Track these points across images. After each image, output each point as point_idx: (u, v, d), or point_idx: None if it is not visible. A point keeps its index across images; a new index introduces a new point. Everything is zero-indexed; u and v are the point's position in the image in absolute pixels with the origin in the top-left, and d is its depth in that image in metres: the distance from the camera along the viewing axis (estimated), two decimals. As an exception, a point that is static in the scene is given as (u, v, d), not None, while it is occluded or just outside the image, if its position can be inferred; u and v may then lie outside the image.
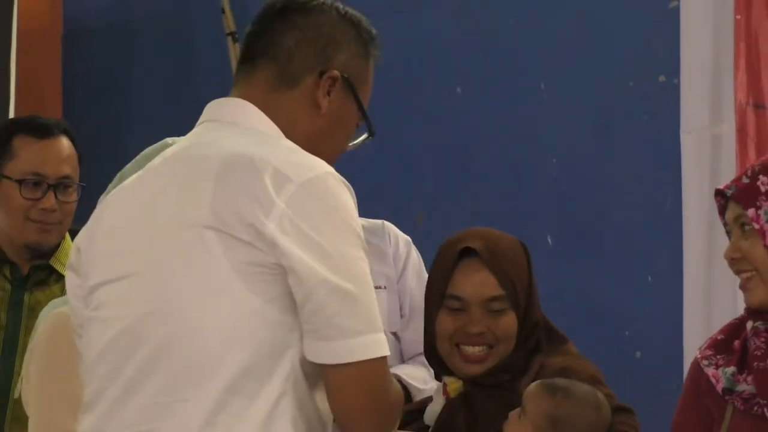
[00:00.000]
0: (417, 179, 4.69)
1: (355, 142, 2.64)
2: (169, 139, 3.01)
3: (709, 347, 2.85)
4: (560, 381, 2.85)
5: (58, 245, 3.73)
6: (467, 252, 2.96)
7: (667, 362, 4.17)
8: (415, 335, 3.45)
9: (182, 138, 2.79)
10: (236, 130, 2.52)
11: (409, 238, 3.63)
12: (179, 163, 2.53)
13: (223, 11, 4.72)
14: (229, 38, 4.72)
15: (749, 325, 2.79)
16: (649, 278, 4.47)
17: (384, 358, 2.41)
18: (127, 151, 3.10)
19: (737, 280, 2.84)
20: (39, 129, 3.73)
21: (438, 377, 3.04)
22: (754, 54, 4.27)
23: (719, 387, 2.78)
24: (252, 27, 2.62)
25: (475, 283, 2.94)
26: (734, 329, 2.84)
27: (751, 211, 2.74)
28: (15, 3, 4.86)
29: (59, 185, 3.70)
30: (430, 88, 4.77)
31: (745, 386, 2.76)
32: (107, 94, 5.11)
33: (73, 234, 3.71)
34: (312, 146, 2.53)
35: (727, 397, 2.78)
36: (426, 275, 3.25)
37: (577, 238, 4.59)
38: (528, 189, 4.60)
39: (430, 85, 4.77)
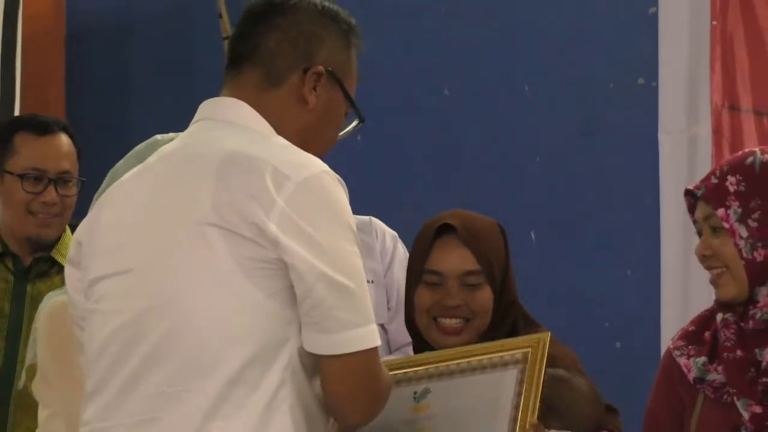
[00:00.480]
0: (406, 177, 4.69)
1: (345, 130, 2.64)
2: (158, 136, 3.01)
3: (681, 338, 2.85)
4: (561, 372, 2.84)
5: (59, 238, 3.73)
6: (445, 229, 2.96)
7: (645, 352, 4.17)
8: (401, 327, 3.47)
9: (176, 135, 2.80)
10: (231, 128, 2.51)
11: (395, 233, 3.63)
12: (178, 160, 2.52)
13: (220, 16, 4.72)
14: (226, 42, 4.73)
15: (719, 317, 2.79)
16: (628, 272, 4.48)
17: (376, 348, 2.43)
18: (127, 149, 3.09)
19: (711, 275, 2.85)
20: (39, 126, 3.74)
21: (417, 351, 3.03)
22: (730, 58, 4.27)
23: (691, 376, 2.78)
24: (235, 30, 2.61)
25: (452, 258, 2.94)
26: (705, 321, 2.84)
27: (720, 211, 2.74)
28: (20, 6, 4.85)
29: (59, 180, 3.70)
30: (419, 90, 4.77)
31: (716, 375, 2.76)
32: (108, 94, 5.10)
33: (74, 228, 3.73)
34: (303, 140, 2.53)
35: (698, 386, 2.78)
36: None
37: (560, 235, 4.60)
38: (512, 187, 4.60)
39: (419, 86, 4.77)
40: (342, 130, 2.63)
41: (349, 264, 2.42)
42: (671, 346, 2.86)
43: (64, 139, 3.74)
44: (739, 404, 2.70)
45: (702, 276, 4.00)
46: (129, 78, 5.14)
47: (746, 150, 2.85)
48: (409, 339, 3.13)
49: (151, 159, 2.59)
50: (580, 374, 2.89)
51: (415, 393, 2.81)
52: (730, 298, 2.76)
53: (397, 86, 4.68)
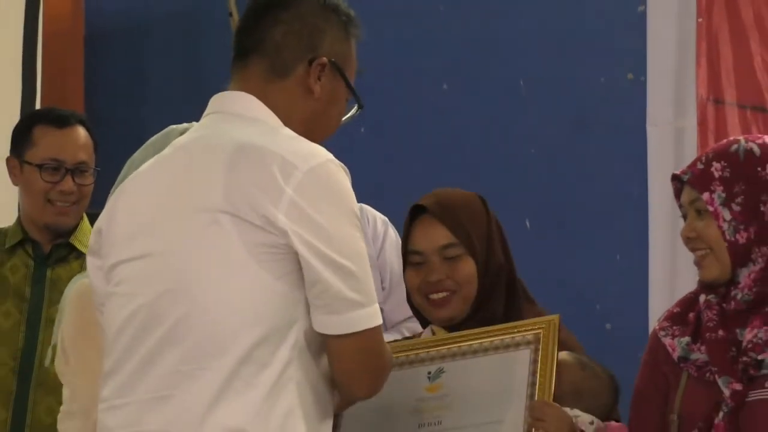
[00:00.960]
0: (407, 167, 4.68)
1: (347, 116, 2.64)
2: (173, 126, 3.02)
3: (666, 319, 2.83)
4: (587, 359, 2.84)
5: (76, 225, 3.73)
6: (420, 210, 2.95)
7: (634, 333, 4.16)
8: (394, 306, 3.46)
9: (190, 126, 2.81)
10: (241, 120, 2.52)
11: (385, 218, 3.63)
12: (191, 152, 2.52)
13: (230, 15, 4.72)
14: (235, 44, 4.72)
15: (702, 298, 2.78)
16: (618, 257, 4.47)
17: (380, 326, 2.46)
18: (142, 141, 3.09)
19: (696, 258, 2.84)
20: (57, 119, 3.73)
21: (423, 326, 3.02)
22: (715, 54, 4.27)
23: (675, 355, 2.77)
24: (241, 24, 2.61)
25: (428, 235, 2.92)
26: (689, 303, 2.83)
27: (705, 195, 2.73)
28: (41, 7, 4.86)
29: (76, 170, 3.69)
30: (419, 85, 4.76)
31: (699, 355, 2.74)
32: (124, 90, 5.10)
33: (90, 217, 3.73)
34: (309, 128, 2.55)
35: (682, 365, 2.76)
36: None
37: (553, 222, 4.59)
38: (508, 177, 4.59)
39: (420, 82, 4.76)
40: (344, 117, 2.64)
41: (354, 248, 2.43)
42: (657, 327, 2.85)
43: (80, 131, 3.73)
44: (720, 382, 2.69)
45: (688, 261, 4.00)
46: (144, 74, 5.13)
47: (730, 138, 2.84)
48: (402, 317, 3.14)
49: (166, 151, 2.60)
50: (598, 364, 2.88)
51: (429, 373, 2.80)
52: (713, 278, 2.75)
53: (398, 81, 4.68)
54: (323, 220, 2.40)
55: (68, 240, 3.73)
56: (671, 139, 4.32)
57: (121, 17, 5.13)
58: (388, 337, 3.41)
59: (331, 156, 2.47)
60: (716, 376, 2.71)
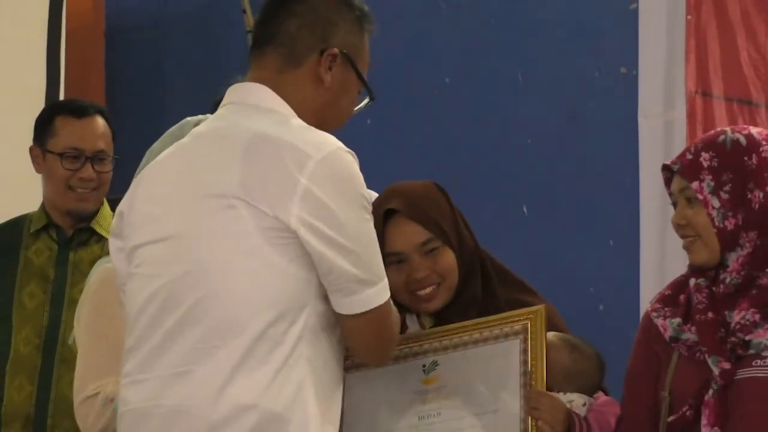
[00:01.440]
0: (411, 155, 4.67)
1: (359, 106, 2.64)
2: (188, 118, 3.02)
3: (658, 301, 2.82)
4: (575, 339, 2.82)
5: (97, 210, 3.72)
6: (390, 212, 2.87)
7: (626, 314, 4.15)
8: None
9: (205, 117, 2.81)
10: (256, 111, 2.52)
11: None
12: (209, 141, 2.52)
13: (244, 11, 4.71)
14: (249, 35, 4.70)
15: (692, 282, 2.76)
16: (611, 242, 4.46)
17: (388, 299, 2.51)
18: (161, 132, 3.09)
19: (685, 244, 2.83)
20: (77, 109, 3.72)
21: (402, 323, 2.97)
22: (703, 49, 4.26)
23: (667, 335, 2.76)
24: (259, 17, 2.62)
25: (404, 235, 2.84)
26: (679, 285, 2.82)
27: (695, 184, 2.71)
28: (64, 5, 4.85)
29: (95, 157, 3.68)
30: (424, 79, 4.75)
31: (689, 335, 2.73)
32: (143, 83, 5.09)
33: (110, 203, 3.72)
34: (320, 116, 2.55)
35: (673, 345, 2.75)
36: None
37: (549, 208, 4.58)
38: (506, 165, 4.58)
39: (424, 76, 4.76)
40: (356, 107, 2.63)
41: (364, 232, 2.45)
42: (649, 309, 2.84)
43: (99, 121, 3.73)
44: (710, 361, 2.68)
45: (677, 246, 3.99)
46: (161, 68, 5.12)
47: (717, 129, 2.82)
48: None
49: (185, 140, 2.60)
50: (584, 341, 2.86)
51: (423, 366, 2.78)
52: (702, 262, 2.74)
53: (404, 75, 4.66)
54: (335, 206, 2.41)
55: (89, 224, 3.72)
56: (661, 130, 4.30)
57: (140, 14, 5.12)
58: None
59: (341, 144, 2.47)
60: (706, 356, 2.69)
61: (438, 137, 4.71)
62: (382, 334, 2.52)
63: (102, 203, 3.73)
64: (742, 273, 2.70)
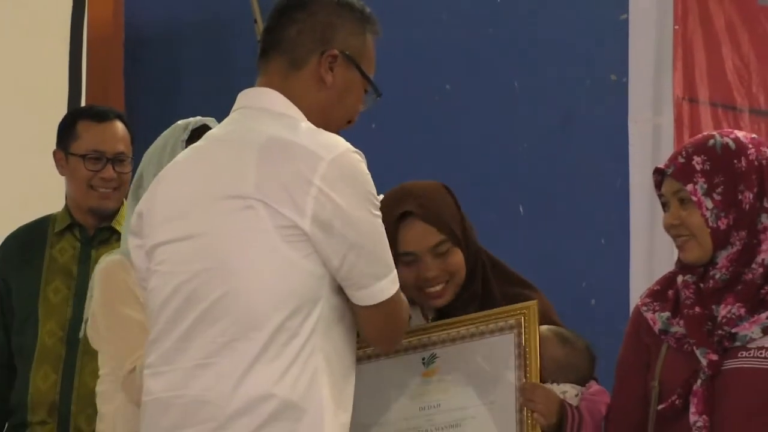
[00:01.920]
0: (413, 159, 4.67)
1: (366, 104, 2.60)
2: (179, 122, 3.05)
3: (648, 296, 2.82)
4: (567, 333, 2.82)
5: (117, 210, 3.72)
6: (405, 214, 2.84)
7: (616, 308, 4.14)
8: None
9: (194, 121, 2.91)
10: (267, 115, 2.51)
11: None
12: (225, 144, 2.51)
13: (255, 22, 4.70)
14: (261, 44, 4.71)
15: (680, 278, 2.76)
16: (603, 241, 4.45)
17: (398, 290, 2.51)
18: (177, 135, 3.09)
19: (673, 243, 2.82)
20: (97, 114, 3.74)
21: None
22: (689, 57, 4.25)
23: (656, 328, 2.76)
24: (265, 26, 2.61)
25: (418, 237, 2.82)
26: (668, 281, 2.82)
27: (689, 186, 2.71)
28: (85, 16, 4.85)
29: (116, 159, 3.68)
30: (426, 85, 4.75)
31: (678, 328, 2.73)
32: (160, 90, 5.08)
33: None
34: (325, 116, 2.53)
35: (662, 337, 2.75)
36: None
37: (545, 208, 4.57)
38: (504, 167, 4.57)
39: (426, 82, 4.75)
40: (364, 106, 2.61)
41: (373, 227, 2.45)
42: (639, 303, 2.83)
43: (119, 125, 3.73)
44: (698, 352, 2.68)
45: (665, 244, 4.00)
46: (177, 76, 5.12)
47: (705, 133, 2.82)
48: None
49: (201, 143, 2.60)
50: (575, 334, 2.86)
51: (423, 359, 2.78)
52: (694, 260, 2.73)
53: (406, 82, 4.66)
54: (346, 204, 2.41)
55: (110, 224, 3.73)
56: (650, 134, 4.29)
57: (158, 24, 5.11)
58: None
59: (349, 145, 2.47)
60: (694, 348, 2.69)
61: (439, 140, 4.71)
62: (393, 323, 2.53)
63: (122, 203, 3.73)
64: (731, 269, 2.70)
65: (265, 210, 2.39)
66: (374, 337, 2.56)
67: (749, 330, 2.67)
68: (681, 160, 2.74)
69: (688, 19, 4.24)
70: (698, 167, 2.71)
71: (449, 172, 4.72)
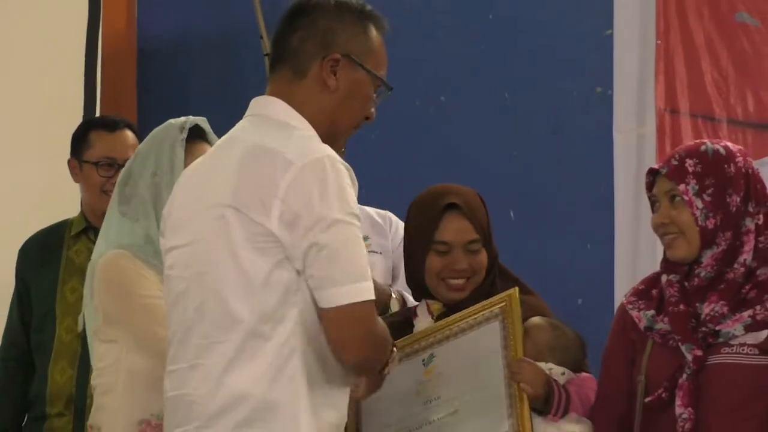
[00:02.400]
0: (409, 168, 4.67)
1: (378, 99, 2.52)
2: (171, 120, 3.04)
3: (632, 295, 2.82)
4: (557, 321, 2.86)
5: (129, 214, 3.73)
6: (449, 206, 2.92)
7: (601, 307, 4.14)
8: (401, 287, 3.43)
9: (187, 120, 2.92)
10: (268, 122, 2.46)
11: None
12: (221, 152, 2.49)
13: (261, 37, 4.70)
14: (267, 58, 4.71)
15: (664, 278, 2.77)
16: (588, 246, 4.46)
17: (367, 301, 2.34)
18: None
19: (656, 245, 2.82)
20: (108, 124, 3.75)
21: (417, 299, 3.01)
22: (671, 71, 4.26)
23: (641, 325, 2.76)
24: (272, 38, 2.55)
25: (457, 230, 2.91)
26: (652, 281, 2.82)
27: (682, 186, 2.71)
28: (100, 29, 4.85)
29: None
30: (421, 97, 4.75)
31: (662, 325, 2.73)
32: (171, 100, 5.08)
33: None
34: (333, 120, 2.46)
35: (648, 334, 2.75)
36: None
37: (534, 214, 4.57)
38: (495, 175, 4.57)
39: (421, 94, 4.75)
40: (377, 102, 2.53)
41: (340, 230, 2.33)
42: (624, 301, 2.84)
43: (128, 133, 3.74)
44: (683, 348, 2.68)
45: (647, 247, 4.01)
46: (188, 87, 5.12)
47: (696, 141, 2.84)
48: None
49: (212, 149, 2.58)
50: (565, 324, 2.88)
51: (423, 360, 2.81)
52: (681, 257, 2.73)
53: (402, 94, 4.65)
54: (311, 204, 2.31)
55: (123, 227, 3.72)
56: (634, 143, 4.30)
57: (168, 39, 5.11)
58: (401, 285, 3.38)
59: (331, 152, 2.37)
60: (679, 344, 2.70)
61: (435, 148, 4.71)
62: (358, 332, 2.34)
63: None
64: (715, 268, 2.71)
65: (237, 217, 2.35)
66: (331, 343, 2.35)
67: (732, 327, 2.67)
68: (674, 162, 2.75)
69: (670, 34, 4.25)
70: (690, 169, 2.72)
71: (444, 179, 4.72)
